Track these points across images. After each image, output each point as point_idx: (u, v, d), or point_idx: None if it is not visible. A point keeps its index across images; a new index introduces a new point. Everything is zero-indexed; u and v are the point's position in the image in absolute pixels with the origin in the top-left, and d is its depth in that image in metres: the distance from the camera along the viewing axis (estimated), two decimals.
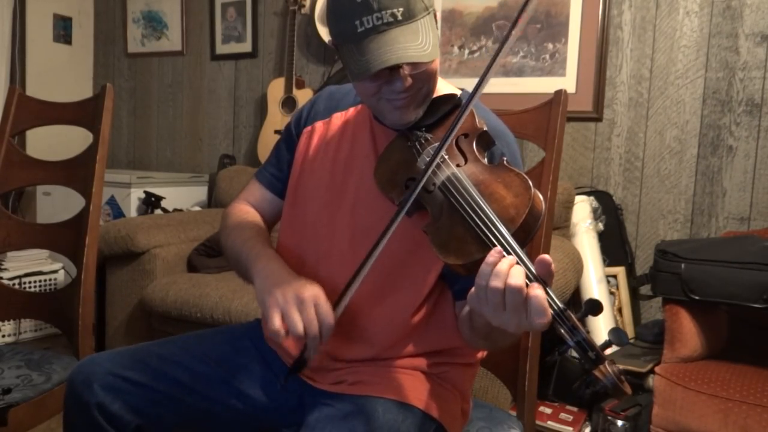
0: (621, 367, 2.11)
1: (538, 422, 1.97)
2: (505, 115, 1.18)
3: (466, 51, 2.74)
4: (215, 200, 3.03)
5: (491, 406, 1.22)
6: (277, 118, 2.99)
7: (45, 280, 2.94)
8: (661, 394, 1.69)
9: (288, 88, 2.96)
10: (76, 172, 1.57)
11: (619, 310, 2.39)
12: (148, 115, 3.68)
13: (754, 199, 2.27)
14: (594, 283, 2.30)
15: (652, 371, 1.96)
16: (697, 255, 1.76)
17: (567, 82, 2.53)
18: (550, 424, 2.01)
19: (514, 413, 1.21)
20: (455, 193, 0.85)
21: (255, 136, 3.25)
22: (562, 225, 2.33)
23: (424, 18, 0.90)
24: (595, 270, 2.32)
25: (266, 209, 1.20)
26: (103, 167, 1.55)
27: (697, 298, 1.73)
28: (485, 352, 1.15)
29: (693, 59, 2.35)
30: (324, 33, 2.95)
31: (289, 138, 1.17)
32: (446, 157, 0.91)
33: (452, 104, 0.99)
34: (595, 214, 2.43)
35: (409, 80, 0.92)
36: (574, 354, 0.72)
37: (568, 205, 2.33)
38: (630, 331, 2.36)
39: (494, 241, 0.78)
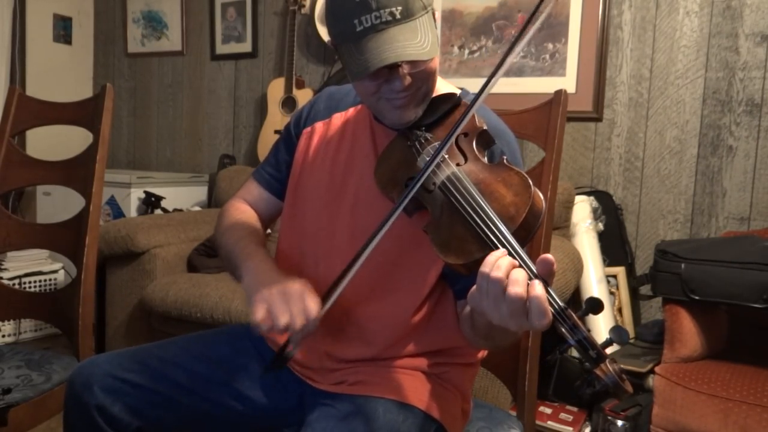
0: (621, 367, 2.10)
1: (538, 422, 1.97)
2: (505, 115, 1.18)
3: (466, 51, 2.74)
4: (215, 200, 3.03)
5: (491, 406, 1.22)
6: (277, 118, 2.99)
7: (45, 280, 2.94)
8: (661, 394, 1.69)
9: (288, 88, 2.96)
10: (76, 172, 1.57)
11: (619, 310, 2.39)
12: (148, 115, 3.68)
13: (754, 199, 2.27)
14: (594, 283, 2.30)
15: (652, 371, 1.96)
16: (697, 255, 1.76)
17: (567, 82, 2.53)
18: (550, 424, 2.01)
19: (514, 413, 1.21)
20: (455, 193, 0.85)
21: (255, 136, 3.25)
22: (562, 225, 2.33)
23: (422, 16, 0.90)
24: (595, 270, 2.32)
25: (262, 208, 1.20)
26: (103, 167, 1.55)
27: (697, 298, 1.73)
28: (486, 352, 1.15)
29: (693, 59, 2.35)
30: (324, 33, 2.95)
31: (288, 138, 1.17)
32: (446, 156, 0.91)
33: (452, 103, 0.99)
34: (595, 214, 2.43)
35: (408, 79, 0.92)
36: (575, 354, 0.72)
37: (568, 205, 2.33)
38: (630, 331, 2.36)
39: (494, 240, 0.78)
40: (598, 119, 2.52)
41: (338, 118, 1.12)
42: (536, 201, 0.81)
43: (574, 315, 0.72)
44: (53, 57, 3.60)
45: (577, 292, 2.29)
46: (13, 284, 2.77)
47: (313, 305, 0.89)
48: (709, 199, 2.34)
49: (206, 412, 1.06)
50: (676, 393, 1.66)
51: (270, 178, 1.19)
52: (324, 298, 0.91)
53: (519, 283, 0.72)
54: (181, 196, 3.16)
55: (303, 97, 2.94)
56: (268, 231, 2.82)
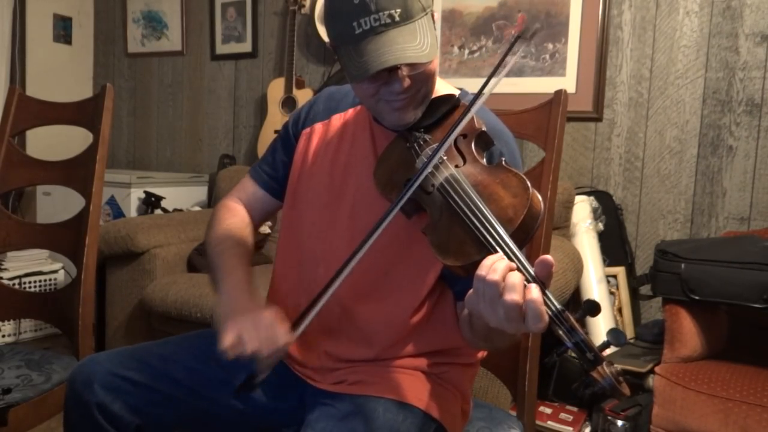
0: (621, 367, 2.11)
1: (538, 422, 1.97)
2: (505, 115, 1.18)
3: (466, 51, 2.74)
4: (215, 200, 3.03)
5: (491, 406, 1.22)
6: (277, 118, 2.99)
7: (45, 280, 2.94)
8: (661, 394, 1.69)
9: (288, 88, 2.96)
10: (76, 172, 1.57)
11: (619, 310, 2.39)
12: (148, 115, 3.68)
13: (754, 199, 2.27)
14: (594, 283, 2.30)
15: (652, 371, 1.96)
16: (697, 255, 1.76)
17: (567, 82, 2.53)
18: (550, 424, 2.01)
19: (514, 413, 1.21)
20: (453, 195, 0.85)
21: (255, 136, 3.25)
22: (562, 225, 2.33)
23: (421, 18, 0.90)
24: (595, 270, 2.32)
25: (256, 207, 1.20)
26: (103, 167, 1.55)
27: (697, 298, 1.73)
28: (485, 352, 1.15)
29: (693, 59, 2.35)
30: (324, 33, 2.95)
31: (286, 138, 1.17)
32: (445, 158, 0.91)
33: (451, 104, 0.99)
34: (595, 214, 2.43)
35: (408, 81, 0.91)
36: (574, 354, 0.72)
37: (568, 205, 2.33)
38: (630, 331, 2.36)
39: (492, 242, 0.78)
40: (598, 119, 2.52)
41: (337, 120, 1.12)
42: (534, 203, 0.81)
43: (571, 317, 0.72)
44: (53, 57, 3.60)
45: (577, 292, 2.29)
46: (13, 284, 2.77)
47: (281, 335, 0.90)
48: (709, 199, 2.34)
49: (206, 410, 1.06)
50: (676, 393, 1.66)
51: (267, 176, 1.19)
52: (298, 320, 0.92)
53: (515, 287, 0.72)
54: (181, 196, 3.16)
55: (303, 97, 2.94)
56: (269, 231, 2.82)
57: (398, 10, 0.87)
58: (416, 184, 0.88)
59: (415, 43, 0.88)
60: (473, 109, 0.88)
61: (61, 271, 2.99)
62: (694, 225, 2.37)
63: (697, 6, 2.34)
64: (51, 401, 1.35)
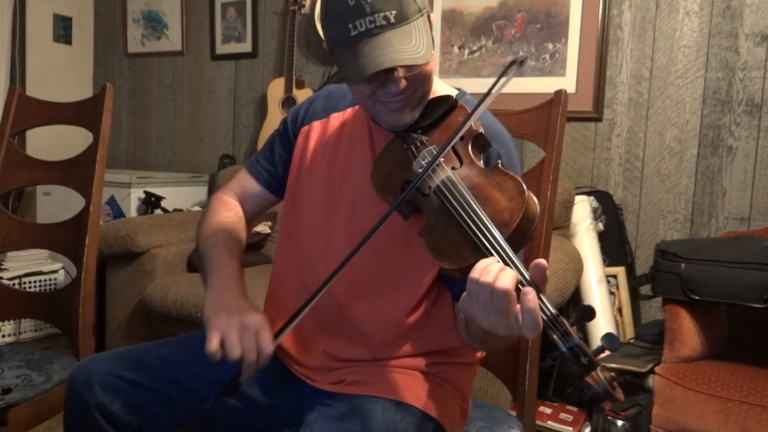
0: (621, 367, 2.10)
1: (538, 422, 1.97)
2: (504, 115, 1.18)
3: (466, 51, 2.74)
4: None
5: (491, 406, 1.22)
6: (277, 118, 2.99)
7: (45, 280, 2.94)
8: (661, 394, 1.69)
9: (288, 88, 2.96)
10: (76, 172, 1.57)
11: (619, 310, 2.39)
12: (148, 115, 3.68)
13: (754, 199, 2.27)
14: (594, 283, 2.30)
15: (652, 371, 1.96)
16: (697, 255, 1.76)
17: (567, 82, 2.53)
18: (550, 424, 2.01)
19: (514, 413, 1.21)
20: (450, 197, 0.85)
21: (255, 136, 3.25)
22: (562, 225, 2.33)
23: (417, 20, 0.90)
24: (595, 270, 2.32)
25: (252, 203, 1.20)
26: (103, 167, 1.55)
27: (697, 298, 1.73)
28: (484, 352, 1.15)
29: (693, 59, 2.35)
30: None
31: (285, 134, 1.17)
32: (441, 160, 0.91)
33: (448, 105, 0.98)
34: (595, 214, 2.43)
35: (404, 82, 0.91)
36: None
37: (568, 205, 2.33)
38: (630, 331, 2.36)
39: (488, 245, 0.78)
40: (598, 119, 2.52)
41: (336, 119, 1.12)
42: (530, 206, 0.81)
43: (566, 322, 0.72)
44: (53, 57, 3.60)
45: (577, 292, 2.29)
46: (13, 284, 2.77)
47: (268, 341, 0.89)
48: (709, 199, 2.34)
49: (205, 411, 1.06)
50: (676, 393, 1.66)
51: (266, 173, 1.18)
52: (283, 328, 0.92)
53: (505, 287, 0.72)
54: (181, 196, 3.16)
55: (303, 97, 2.94)
56: (269, 231, 2.82)
57: (393, 12, 0.87)
58: (411, 189, 0.88)
59: (411, 44, 0.88)
60: (457, 134, 0.88)
61: (61, 271, 3.00)
62: (694, 225, 2.37)
63: (697, 6, 2.34)
64: (51, 401, 1.35)
